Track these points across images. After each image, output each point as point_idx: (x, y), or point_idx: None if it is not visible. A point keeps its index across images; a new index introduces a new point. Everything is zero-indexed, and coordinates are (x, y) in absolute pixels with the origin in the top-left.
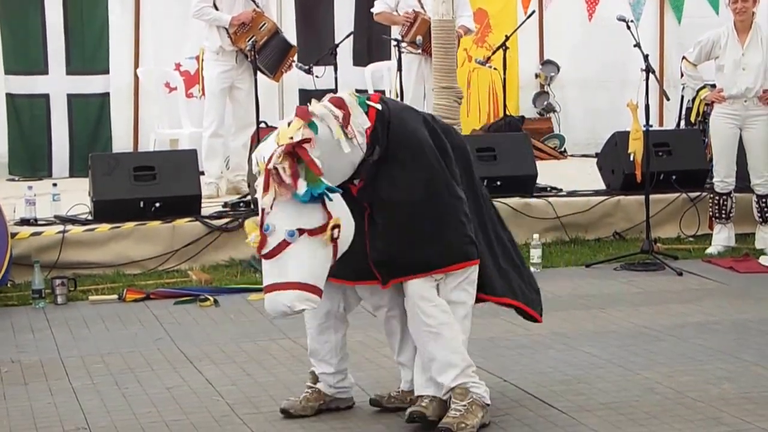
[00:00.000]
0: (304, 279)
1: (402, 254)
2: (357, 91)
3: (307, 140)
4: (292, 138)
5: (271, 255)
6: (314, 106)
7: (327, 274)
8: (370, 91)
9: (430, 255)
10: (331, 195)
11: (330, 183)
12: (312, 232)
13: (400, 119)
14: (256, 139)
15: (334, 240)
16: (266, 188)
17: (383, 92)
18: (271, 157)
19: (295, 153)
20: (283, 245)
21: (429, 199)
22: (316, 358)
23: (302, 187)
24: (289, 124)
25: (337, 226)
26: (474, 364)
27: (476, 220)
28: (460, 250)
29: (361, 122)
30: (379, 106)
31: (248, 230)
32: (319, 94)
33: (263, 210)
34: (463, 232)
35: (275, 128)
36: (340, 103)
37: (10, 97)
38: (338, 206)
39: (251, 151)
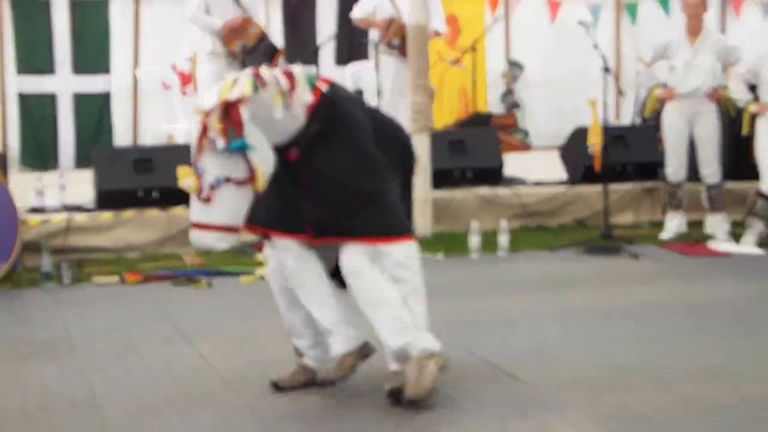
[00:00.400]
0: (226, 222)
1: (333, 219)
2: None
3: (240, 100)
4: (230, 97)
5: (206, 200)
6: (264, 71)
7: (245, 211)
8: (350, 88)
9: (361, 223)
10: (250, 146)
11: (268, 140)
12: (238, 183)
13: (343, 103)
14: None
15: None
16: (200, 137)
17: (361, 91)
18: (209, 111)
19: (227, 111)
20: (211, 189)
21: (361, 178)
22: (293, 334)
23: (226, 142)
24: (236, 80)
25: (256, 177)
26: (412, 324)
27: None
28: (392, 226)
29: (304, 97)
30: (324, 89)
31: (181, 175)
32: None
33: (197, 152)
34: (394, 211)
35: None
36: (288, 75)
37: (22, 96)
38: (259, 154)
39: None
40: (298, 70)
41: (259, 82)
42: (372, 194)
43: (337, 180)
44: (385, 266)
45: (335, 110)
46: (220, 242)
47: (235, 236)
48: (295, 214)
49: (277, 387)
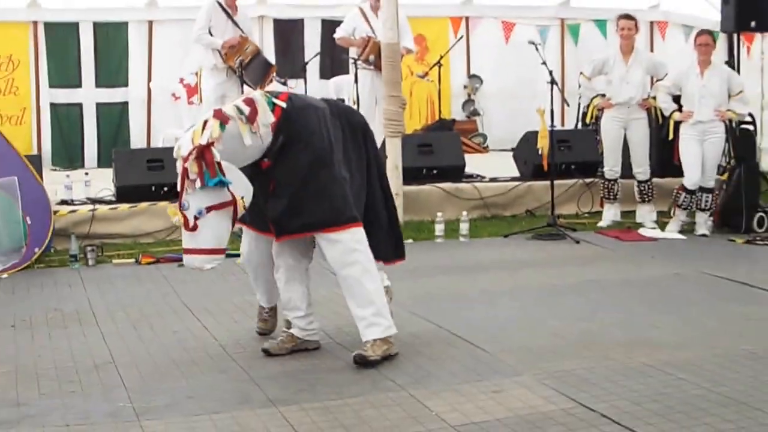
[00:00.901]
0: (211, 245)
1: (289, 217)
2: (335, 99)
3: (211, 144)
4: (201, 142)
5: (192, 229)
6: (227, 108)
7: (228, 235)
8: (335, 98)
9: (310, 219)
10: (226, 181)
11: (240, 164)
12: (217, 207)
13: (300, 115)
14: None
15: (234, 215)
16: (182, 179)
17: (343, 100)
18: (187, 157)
19: (202, 155)
20: (195, 220)
21: (312, 177)
22: (288, 307)
23: (203, 182)
24: (205, 123)
25: (234, 204)
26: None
27: (357, 184)
28: (334, 218)
29: (266, 118)
30: (284, 105)
31: (171, 214)
32: None
33: (180, 192)
34: (337, 203)
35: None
36: (249, 102)
37: (53, 106)
38: (236, 185)
39: None
40: (258, 95)
41: (223, 121)
42: (323, 189)
43: (294, 180)
44: (337, 252)
45: (293, 123)
46: (208, 263)
47: (220, 257)
48: (263, 215)
49: (268, 353)
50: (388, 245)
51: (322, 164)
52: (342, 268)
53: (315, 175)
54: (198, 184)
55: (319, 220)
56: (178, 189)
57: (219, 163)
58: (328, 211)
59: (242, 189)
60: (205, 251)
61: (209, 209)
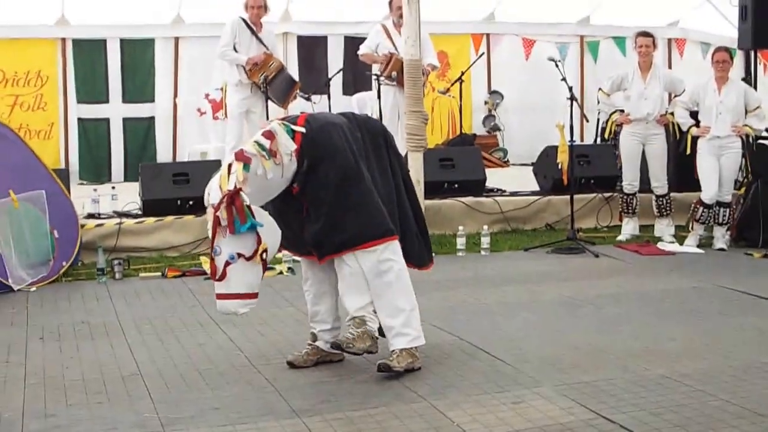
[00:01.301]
0: (243, 290)
1: (327, 237)
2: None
3: (239, 189)
4: (229, 188)
5: (221, 278)
6: (248, 147)
7: (261, 278)
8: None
9: (347, 236)
10: (257, 224)
11: (269, 197)
12: (248, 258)
13: (320, 135)
14: None
15: (263, 260)
16: (213, 226)
17: (366, 115)
18: (218, 205)
19: (231, 201)
20: (227, 265)
21: (343, 195)
22: (315, 320)
23: (232, 230)
24: (230, 167)
25: (264, 250)
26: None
27: (384, 192)
28: (372, 232)
29: (287, 146)
30: (303, 130)
31: (203, 263)
32: None
33: (212, 239)
34: (373, 217)
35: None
36: (269, 135)
37: (81, 121)
38: (266, 229)
39: None
40: (276, 125)
41: (246, 162)
42: (356, 204)
43: (326, 200)
44: (371, 262)
45: (315, 144)
46: (242, 308)
47: (253, 300)
48: (300, 239)
49: (293, 365)
50: (422, 249)
51: (351, 180)
52: (375, 278)
53: (346, 192)
54: (227, 232)
55: (357, 235)
56: (210, 236)
57: (249, 207)
58: (365, 225)
59: (271, 232)
60: (237, 296)
61: (240, 256)
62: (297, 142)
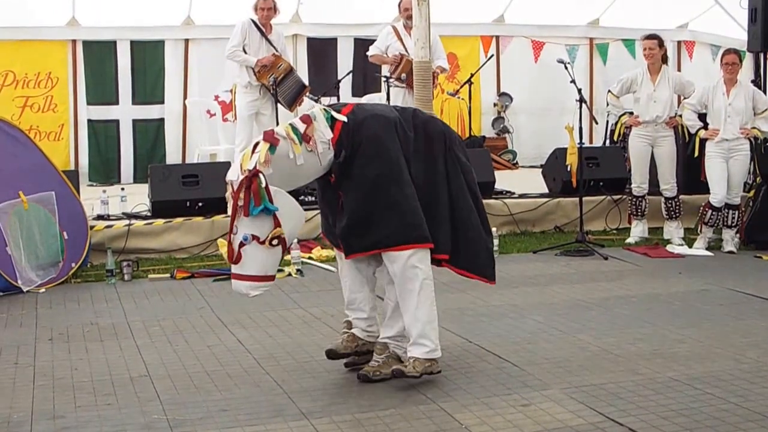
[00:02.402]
0: (257, 272)
1: (356, 235)
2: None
3: (258, 171)
4: (248, 168)
5: (236, 261)
6: (279, 128)
7: (279, 261)
8: None
9: (378, 237)
10: (272, 208)
11: (299, 182)
12: (260, 241)
13: (362, 127)
14: None
15: (274, 246)
16: (233, 206)
17: (431, 114)
18: (239, 187)
19: (249, 183)
20: (242, 246)
21: (379, 192)
22: (352, 307)
23: (246, 212)
24: (256, 146)
25: (278, 236)
26: (404, 335)
27: (428, 197)
28: (403, 236)
29: (324, 134)
30: (344, 119)
31: (220, 245)
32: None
33: (231, 218)
34: (406, 220)
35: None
36: (306, 119)
37: (91, 122)
38: (285, 213)
39: None
40: (317, 110)
41: (273, 143)
42: (391, 204)
43: (359, 195)
44: (398, 267)
45: (355, 135)
46: (253, 290)
47: (267, 284)
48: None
49: (333, 353)
50: (487, 261)
51: (389, 178)
52: (401, 284)
53: (382, 190)
54: (250, 210)
55: (387, 237)
56: (229, 215)
57: (267, 189)
58: (397, 228)
59: (294, 215)
60: (250, 278)
61: (255, 238)
62: (336, 131)
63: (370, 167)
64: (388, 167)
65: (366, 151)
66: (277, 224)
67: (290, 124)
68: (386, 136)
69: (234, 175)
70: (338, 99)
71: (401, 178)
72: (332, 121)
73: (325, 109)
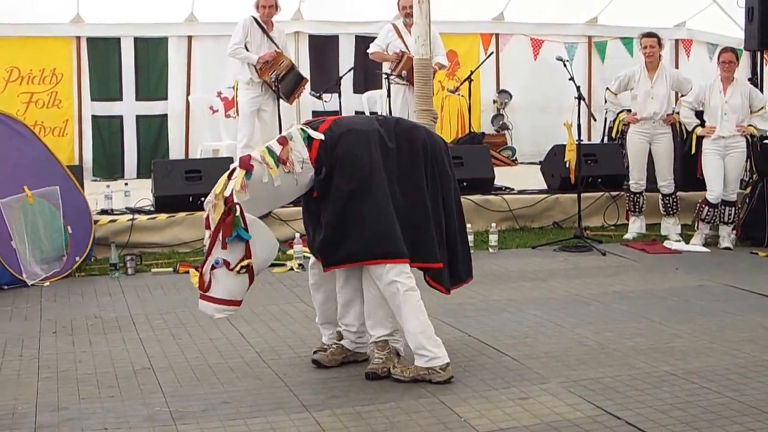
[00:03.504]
0: (223, 296)
1: (331, 247)
2: (357, 112)
3: (231, 200)
4: (225, 194)
5: (206, 289)
6: (255, 153)
7: (247, 288)
8: (366, 112)
9: (352, 249)
10: (245, 236)
11: (280, 203)
12: (230, 267)
13: (339, 142)
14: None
15: (241, 273)
16: (212, 239)
17: (375, 113)
18: (218, 222)
19: (226, 217)
20: (213, 269)
21: (352, 206)
22: (344, 321)
23: (224, 243)
24: (232, 172)
25: (246, 265)
26: (398, 329)
27: (408, 210)
28: (377, 251)
29: (300, 153)
30: (321, 137)
31: (192, 277)
32: (327, 115)
33: (209, 250)
34: (380, 235)
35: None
36: (282, 141)
37: (95, 118)
38: (258, 241)
39: None
40: (294, 131)
41: (248, 169)
42: (364, 219)
43: (335, 209)
44: (381, 284)
45: (333, 151)
46: (218, 312)
47: (233, 308)
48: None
49: (319, 365)
50: (465, 264)
51: (362, 192)
52: (387, 299)
53: (354, 204)
54: (221, 246)
55: (360, 251)
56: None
57: (242, 215)
58: (368, 242)
59: (267, 246)
60: (217, 300)
61: (225, 262)
62: (314, 150)
63: (342, 182)
64: (360, 182)
65: (341, 166)
66: (248, 254)
67: (267, 147)
68: (360, 152)
69: (207, 203)
70: (339, 96)
71: (376, 192)
72: (309, 140)
73: (302, 129)
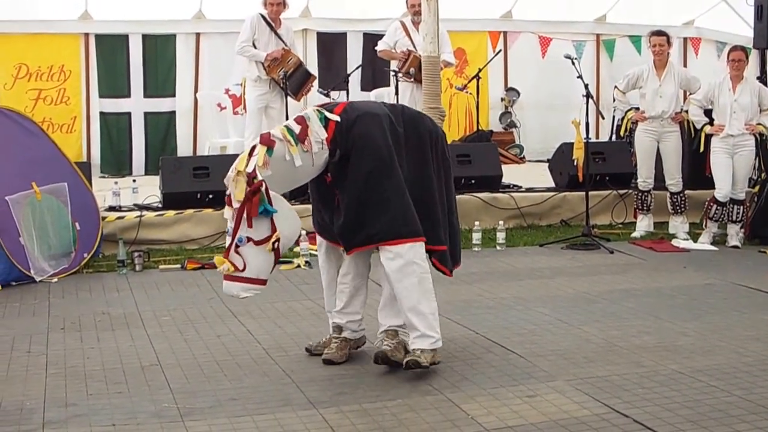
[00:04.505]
0: (249, 275)
1: (353, 230)
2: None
3: (255, 175)
4: (247, 171)
5: (242, 270)
6: (274, 131)
7: (272, 267)
8: None
9: (372, 230)
10: (272, 210)
11: (296, 183)
12: (257, 242)
13: (355, 125)
14: None
15: (275, 249)
16: (228, 204)
17: (419, 112)
18: (243, 202)
19: (252, 196)
20: (237, 247)
21: (371, 188)
22: (346, 311)
23: (250, 222)
24: (252, 149)
25: (278, 239)
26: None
27: (418, 192)
28: (398, 230)
29: (318, 134)
30: (338, 119)
31: (218, 263)
32: None
33: (234, 231)
34: (400, 214)
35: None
36: (300, 121)
37: (102, 115)
38: (282, 217)
39: None
40: (310, 112)
41: (270, 145)
42: (384, 200)
43: (354, 191)
44: (396, 265)
45: (349, 134)
46: (245, 291)
47: (259, 287)
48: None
49: (331, 362)
50: (458, 247)
51: (381, 174)
52: (399, 281)
53: (375, 185)
54: (247, 224)
55: (381, 231)
56: (228, 219)
57: (267, 191)
58: (389, 222)
59: (289, 221)
60: (244, 279)
61: (249, 239)
62: (330, 131)
63: (362, 164)
64: (379, 163)
65: (359, 148)
66: (274, 228)
67: (286, 126)
68: (377, 133)
69: (228, 179)
70: (347, 93)
71: (392, 173)
72: (326, 121)
73: (318, 110)
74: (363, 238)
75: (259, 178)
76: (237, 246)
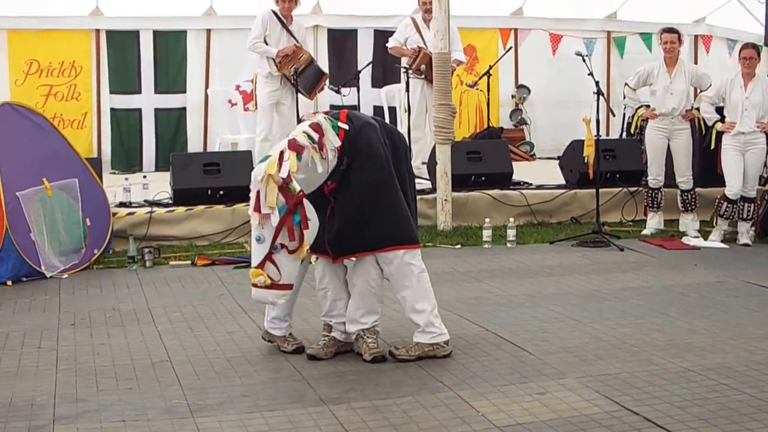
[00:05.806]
0: (281, 281)
1: (348, 237)
2: (386, 107)
3: (290, 180)
4: (282, 176)
5: (260, 266)
6: (299, 137)
7: (297, 269)
8: (385, 107)
9: (371, 238)
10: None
11: (309, 190)
12: (291, 251)
13: (360, 134)
14: None
15: (303, 255)
16: (256, 210)
17: (394, 108)
18: (286, 214)
19: (295, 208)
20: (270, 255)
21: (374, 196)
22: (331, 314)
23: (276, 218)
24: (281, 154)
25: (306, 247)
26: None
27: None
28: (397, 237)
29: (333, 142)
30: (346, 127)
31: (253, 275)
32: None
33: (274, 238)
34: (400, 222)
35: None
36: (317, 128)
37: (113, 111)
38: (311, 222)
39: None
40: (322, 119)
41: (299, 152)
42: (386, 208)
43: (355, 199)
44: (394, 268)
45: (356, 143)
46: (279, 298)
47: (289, 291)
48: (323, 237)
49: (315, 358)
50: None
51: (384, 183)
52: (398, 281)
53: (377, 194)
54: (275, 219)
55: (380, 239)
56: (254, 219)
57: (302, 197)
58: (389, 230)
59: (313, 225)
60: (276, 287)
61: (283, 247)
62: (340, 139)
63: (365, 173)
64: (382, 172)
65: (365, 157)
66: (303, 236)
67: (305, 133)
68: (378, 144)
69: (259, 173)
70: (358, 90)
71: (393, 182)
72: (337, 129)
73: (327, 118)
74: (359, 246)
75: (295, 186)
76: (271, 253)
